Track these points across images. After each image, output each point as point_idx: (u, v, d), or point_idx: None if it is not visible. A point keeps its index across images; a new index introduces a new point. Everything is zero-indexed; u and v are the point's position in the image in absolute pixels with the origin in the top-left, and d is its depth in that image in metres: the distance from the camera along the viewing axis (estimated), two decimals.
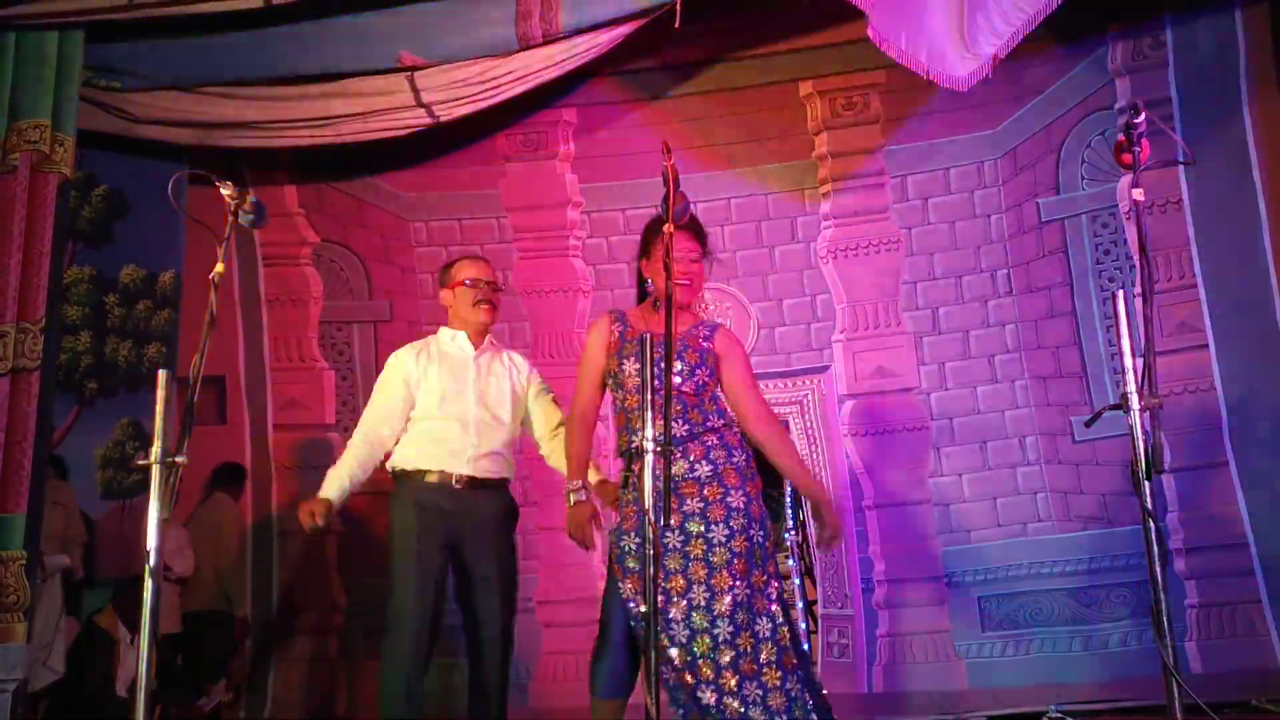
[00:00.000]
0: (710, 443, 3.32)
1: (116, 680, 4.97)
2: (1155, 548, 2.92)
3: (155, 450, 2.89)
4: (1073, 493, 5.12)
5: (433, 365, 3.74)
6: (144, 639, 2.77)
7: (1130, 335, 3.02)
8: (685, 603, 3.18)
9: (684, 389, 3.33)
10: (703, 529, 3.24)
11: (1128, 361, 3.02)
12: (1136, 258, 3.36)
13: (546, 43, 4.84)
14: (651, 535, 2.77)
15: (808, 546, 5.67)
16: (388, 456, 3.76)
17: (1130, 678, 4.66)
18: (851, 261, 5.52)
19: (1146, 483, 2.96)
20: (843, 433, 5.43)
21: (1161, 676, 2.89)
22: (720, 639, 3.16)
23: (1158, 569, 2.92)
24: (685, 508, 3.26)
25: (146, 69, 5.07)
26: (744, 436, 3.40)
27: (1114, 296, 3.13)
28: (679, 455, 3.26)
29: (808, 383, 5.51)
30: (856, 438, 5.41)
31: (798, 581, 6.02)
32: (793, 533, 6.32)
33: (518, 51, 4.89)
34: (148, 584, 2.77)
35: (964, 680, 5.07)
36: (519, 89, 5.03)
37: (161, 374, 3.04)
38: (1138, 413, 2.97)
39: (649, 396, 2.79)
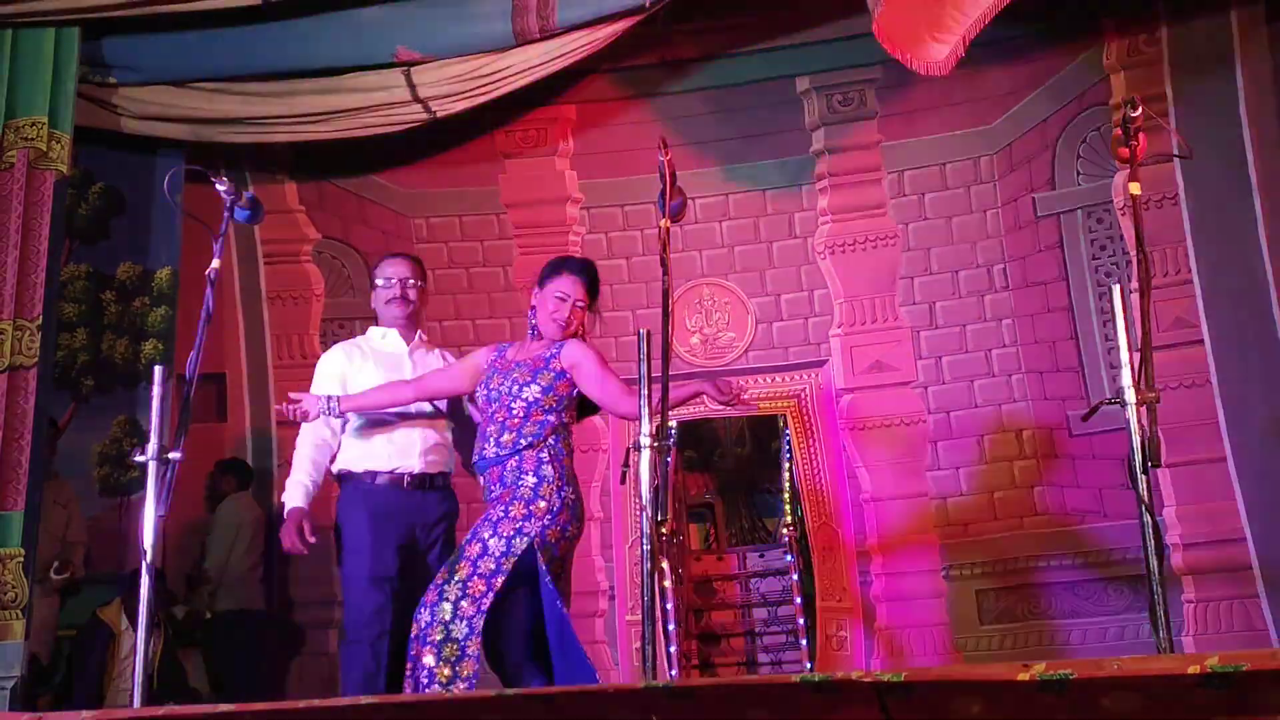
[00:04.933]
0: (510, 465, 3.42)
1: (112, 674, 4.98)
2: (1152, 542, 2.93)
3: (151, 447, 2.90)
4: (1070, 486, 5.13)
5: (367, 362, 3.72)
6: (141, 633, 2.78)
7: (1127, 330, 3.03)
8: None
9: (513, 407, 3.45)
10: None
11: (1124, 356, 3.02)
12: (1133, 252, 3.37)
13: (543, 38, 4.84)
14: (649, 530, 2.80)
15: (805, 541, 5.68)
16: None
17: None
18: (849, 256, 5.53)
19: (1144, 477, 2.96)
20: (840, 426, 5.44)
21: None
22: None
23: (1154, 563, 2.93)
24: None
25: (143, 65, 5.06)
26: (548, 456, 3.42)
27: (1110, 291, 3.14)
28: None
29: (805, 377, 5.52)
30: (854, 431, 5.42)
31: (795, 576, 6.03)
32: (790, 527, 6.33)
33: (515, 47, 4.89)
34: (144, 580, 2.79)
35: None
36: (516, 84, 5.03)
37: (157, 371, 3.05)
38: (1134, 407, 2.97)
39: (646, 392, 2.81)
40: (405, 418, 3.68)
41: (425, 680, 3.23)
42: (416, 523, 3.63)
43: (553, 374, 3.47)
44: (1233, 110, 4.79)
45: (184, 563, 5.53)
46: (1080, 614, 5.02)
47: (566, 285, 3.53)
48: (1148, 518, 2.93)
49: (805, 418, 5.51)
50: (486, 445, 3.48)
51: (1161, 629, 2.89)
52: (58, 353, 4.96)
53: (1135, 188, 3.20)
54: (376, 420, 3.68)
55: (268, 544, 5.52)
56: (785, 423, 5.67)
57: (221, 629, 5.46)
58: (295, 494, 3.62)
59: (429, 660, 3.23)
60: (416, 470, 3.65)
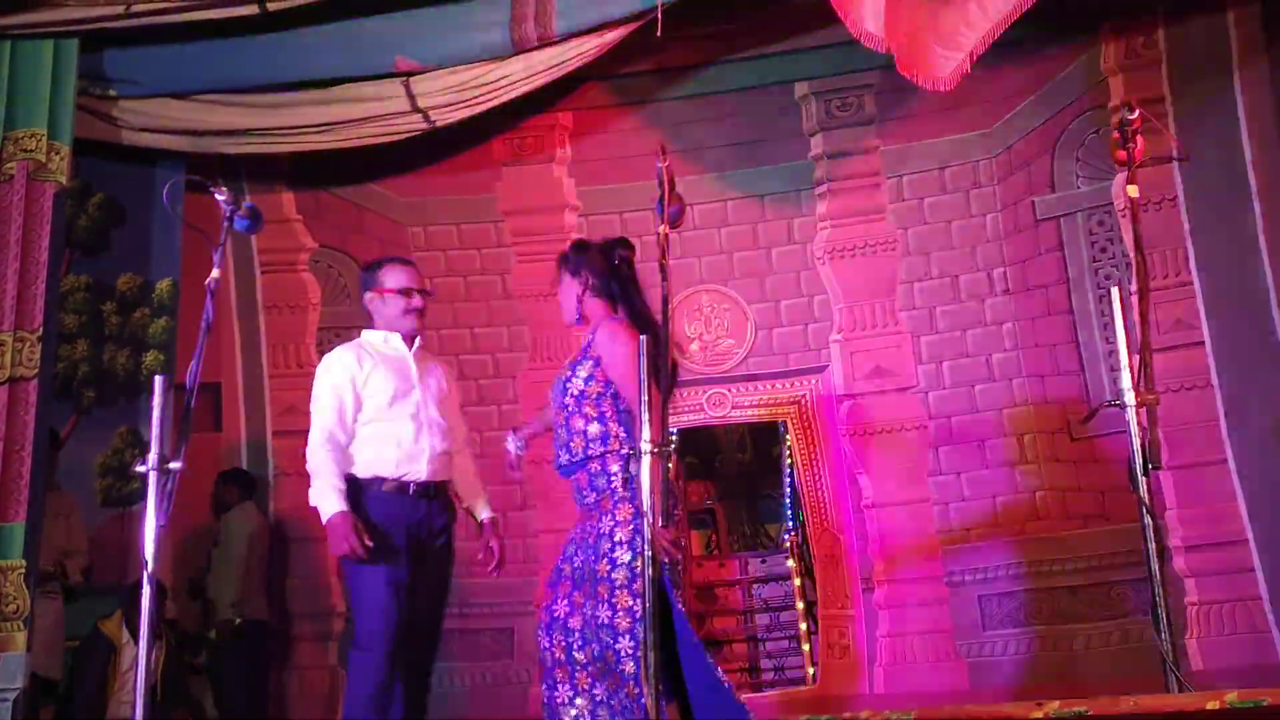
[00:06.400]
0: (593, 469, 3.38)
1: (113, 686, 4.97)
2: (1154, 544, 2.93)
3: (151, 457, 2.89)
4: (1071, 490, 5.12)
5: (378, 368, 3.62)
6: (142, 646, 2.78)
7: (1127, 332, 3.03)
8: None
9: (566, 404, 3.43)
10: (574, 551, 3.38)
11: (1124, 359, 3.02)
12: (1132, 255, 3.37)
13: (541, 47, 4.83)
14: (650, 535, 2.79)
15: (807, 547, 5.67)
16: None
17: (1131, 675, 4.65)
18: (848, 262, 5.53)
19: (1144, 479, 2.96)
20: (841, 432, 5.43)
21: (1162, 674, 2.90)
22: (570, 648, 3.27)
23: (1156, 566, 2.93)
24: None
25: (142, 76, 5.06)
26: (628, 450, 3.35)
27: (1110, 294, 3.14)
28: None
29: (806, 383, 5.52)
30: (855, 437, 5.41)
31: (797, 582, 6.02)
32: (791, 533, 6.32)
33: (513, 56, 4.89)
34: (146, 591, 2.78)
35: (965, 679, 5.07)
36: (514, 93, 5.03)
37: (157, 381, 3.04)
38: (1134, 410, 2.97)
39: (647, 398, 2.80)
40: (416, 425, 3.62)
41: (613, 708, 3.19)
42: (421, 531, 3.58)
43: (591, 361, 3.43)
44: (1231, 112, 4.79)
45: (184, 573, 5.53)
46: (1084, 618, 5.01)
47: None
48: (1149, 520, 2.93)
49: (806, 424, 5.50)
50: (561, 452, 3.46)
51: (1164, 632, 2.89)
52: (58, 364, 4.96)
53: (1133, 190, 3.20)
54: (386, 427, 3.60)
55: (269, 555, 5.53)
56: (786, 429, 5.67)
57: (235, 640, 5.46)
58: (333, 499, 3.44)
59: (599, 691, 3.21)
60: (424, 478, 3.60)
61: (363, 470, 3.57)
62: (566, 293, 3.58)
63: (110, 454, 5.25)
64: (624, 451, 3.32)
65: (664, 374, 2.87)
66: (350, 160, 5.50)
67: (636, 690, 3.13)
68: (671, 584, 3.20)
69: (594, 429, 3.37)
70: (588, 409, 3.39)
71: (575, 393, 3.41)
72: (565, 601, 3.32)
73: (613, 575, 3.23)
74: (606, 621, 3.21)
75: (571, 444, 3.40)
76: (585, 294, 3.54)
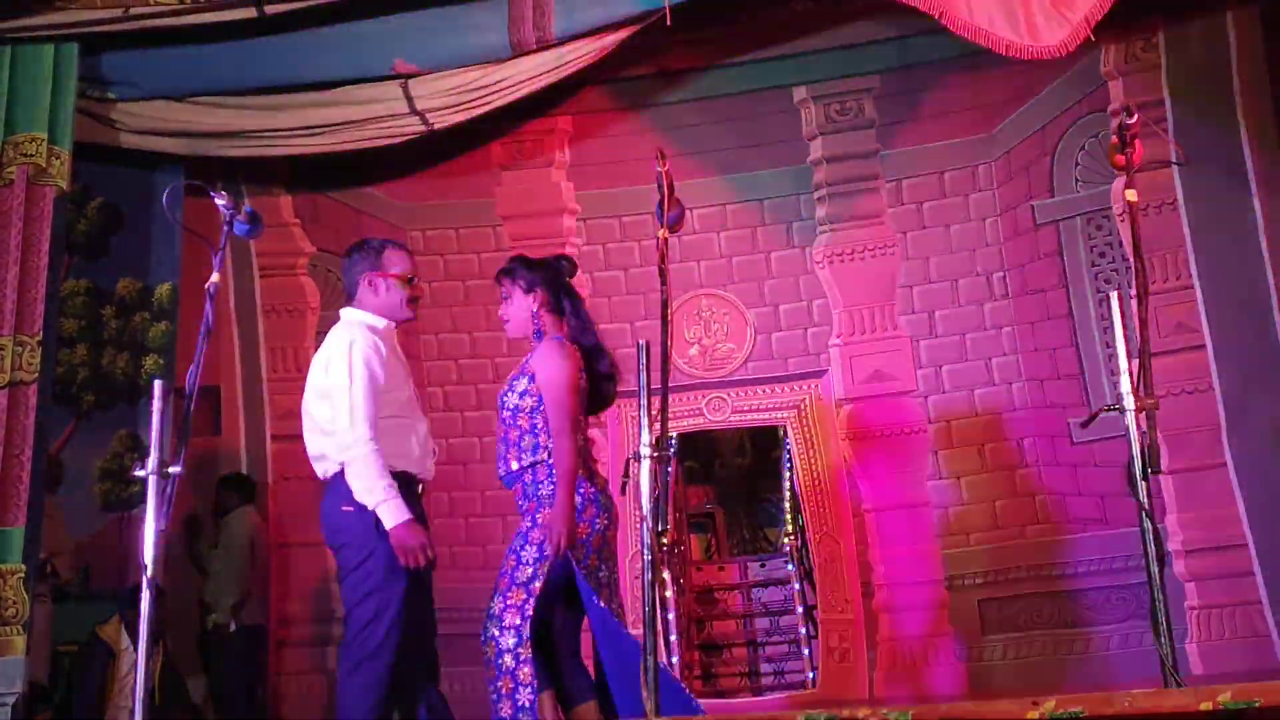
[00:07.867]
0: (526, 479, 3.48)
1: (111, 692, 4.96)
2: (1153, 548, 2.92)
3: (151, 462, 2.89)
4: (1071, 494, 5.11)
5: (393, 359, 3.49)
6: (142, 650, 2.77)
7: (1126, 337, 3.03)
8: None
9: (505, 417, 3.54)
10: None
11: (1123, 363, 3.02)
12: (1131, 259, 3.36)
13: (540, 49, 4.83)
14: (650, 540, 2.79)
15: (806, 551, 5.67)
16: None
17: (1131, 680, 4.65)
18: (847, 266, 5.53)
19: (1144, 483, 2.96)
20: (841, 437, 5.43)
21: (1162, 678, 2.89)
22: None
23: (1156, 570, 2.92)
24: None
25: (140, 79, 5.06)
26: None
27: (1109, 298, 3.14)
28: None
29: (805, 387, 5.51)
30: (854, 441, 5.41)
31: (797, 586, 6.01)
32: (791, 537, 6.31)
33: (511, 59, 4.89)
34: (145, 595, 2.77)
35: (965, 684, 5.06)
36: (513, 96, 5.02)
37: (157, 385, 3.03)
38: (1133, 414, 2.97)
39: (645, 402, 2.81)
40: (426, 423, 3.56)
41: (494, 696, 3.32)
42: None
43: (526, 378, 3.51)
44: (1230, 114, 4.79)
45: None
46: (1083, 623, 5.00)
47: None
48: (1148, 524, 2.92)
49: (805, 428, 5.50)
50: (500, 463, 3.55)
51: (1164, 636, 2.88)
52: (57, 368, 4.96)
53: (1131, 195, 3.20)
54: (409, 422, 3.50)
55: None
56: (785, 433, 5.67)
57: (233, 644, 5.46)
58: (400, 505, 3.28)
59: (492, 674, 3.33)
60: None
61: (398, 464, 3.40)
62: (518, 308, 3.62)
63: (109, 458, 5.25)
64: (550, 461, 3.43)
65: (665, 381, 2.87)
66: (348, 164, 5.50)
67: (513, 684, 3.29)
68: (582, 568, 3.35)
69: (527, 441, 3.49)
70: (522, 422, 3.50)
71: (511, 407, 3.52)
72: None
73: (515, 572, 3.37)
74: (496, 613, 3.35)
75: (508, 455, 3.52)
76: (540, 310, 3.60)
